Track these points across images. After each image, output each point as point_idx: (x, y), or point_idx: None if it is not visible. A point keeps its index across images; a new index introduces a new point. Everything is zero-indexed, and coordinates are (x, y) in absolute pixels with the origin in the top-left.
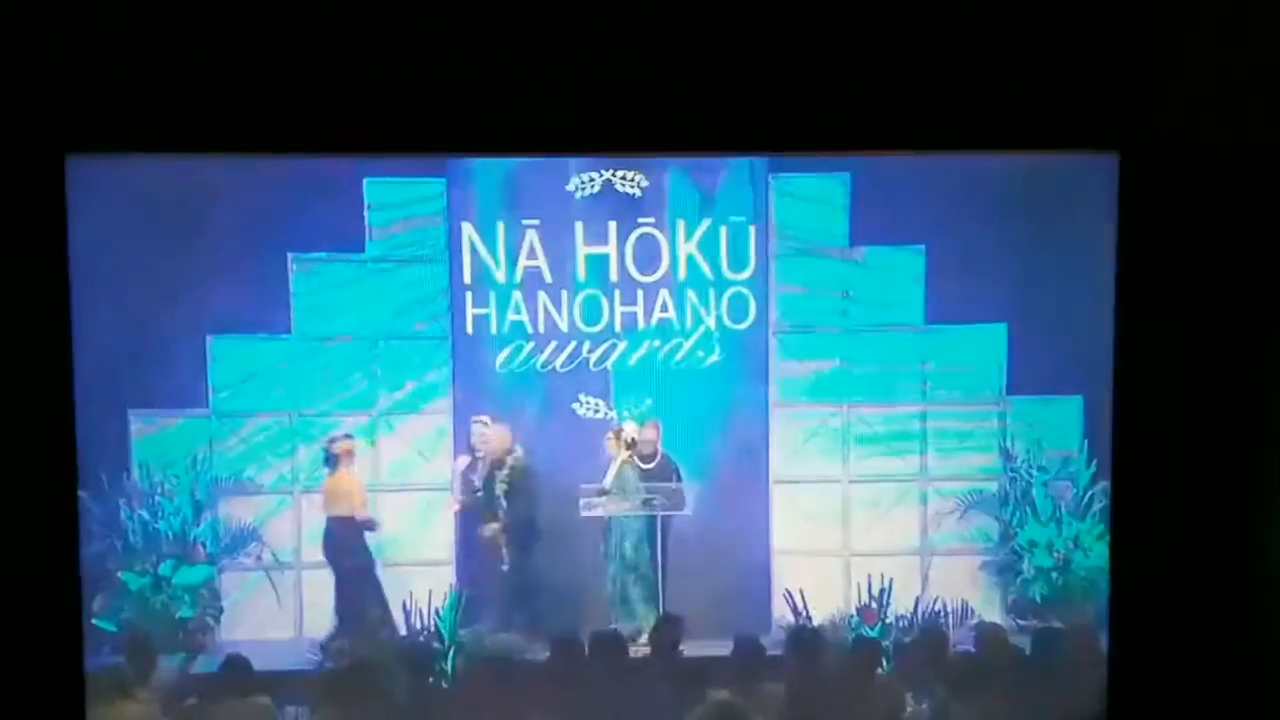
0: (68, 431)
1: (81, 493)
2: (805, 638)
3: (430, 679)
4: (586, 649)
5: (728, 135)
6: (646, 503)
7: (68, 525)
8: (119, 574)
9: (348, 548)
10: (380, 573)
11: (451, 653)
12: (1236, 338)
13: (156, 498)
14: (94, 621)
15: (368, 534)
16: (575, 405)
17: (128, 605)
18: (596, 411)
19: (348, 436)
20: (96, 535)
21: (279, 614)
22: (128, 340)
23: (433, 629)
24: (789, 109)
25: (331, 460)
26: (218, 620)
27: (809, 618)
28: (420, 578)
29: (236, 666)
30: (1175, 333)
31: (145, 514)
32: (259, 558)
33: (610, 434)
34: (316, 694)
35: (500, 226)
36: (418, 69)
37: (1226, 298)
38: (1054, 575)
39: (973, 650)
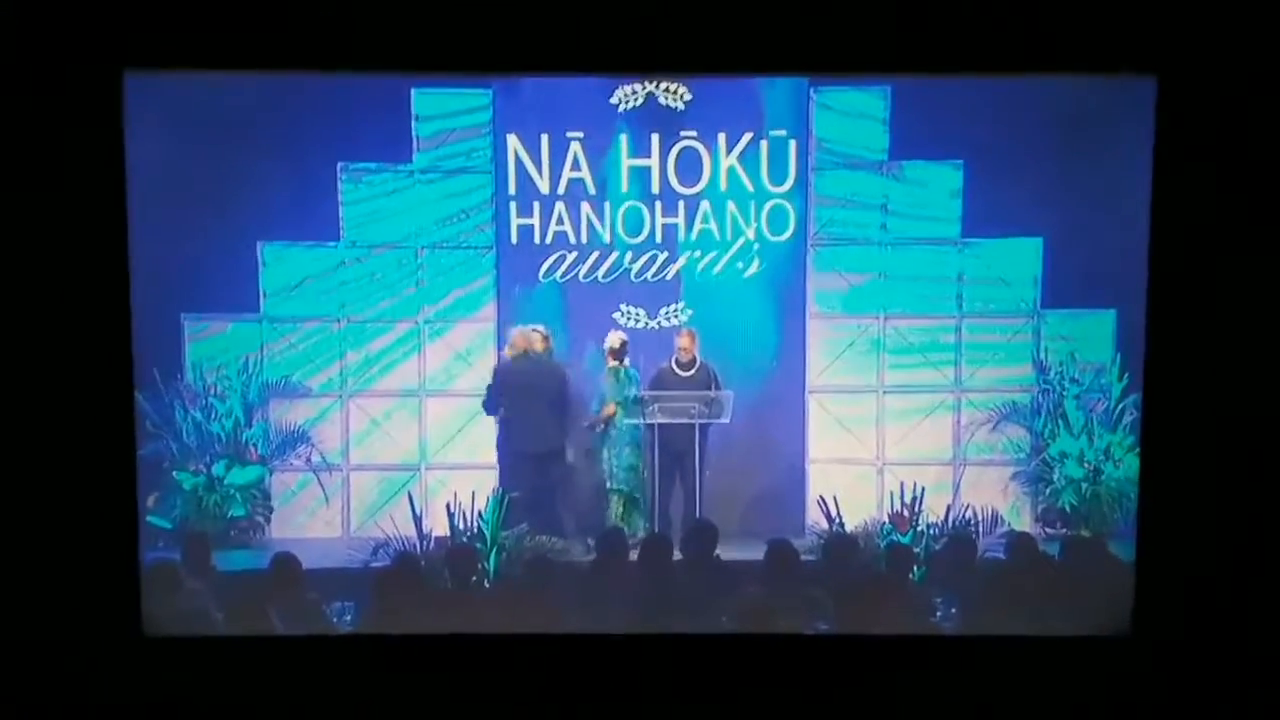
0: (125, 335)
1: (138, 394)
2: (838, 543)
3: (473, 578)
4: (630, 551)
5: (768, 56)
6: (639, 401)
7: (125, 425)
8: (174, 473)
9: None
10: None
11: (494, 552)
12: (1269, 253)
13: (209, 400)
14: (149, 519)
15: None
16: (616, 314)
17: (181, 503)
18: (637, 321)
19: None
20: (152, 435)
21: (327, 513)
22: (182, 246)
23: (475, 530)
24: (829, 30)
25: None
26: (268, 519)
27: (842, 524)
28: (463, 480)
29: (285, 563)
30: (1209, 247)
31: (198, 415)
32: (308, 459)
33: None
34: (362, 590)
35: (544, 138)
36: None
37: (1260, 215)
38: (1084, 486)
39: (1002, 557)
